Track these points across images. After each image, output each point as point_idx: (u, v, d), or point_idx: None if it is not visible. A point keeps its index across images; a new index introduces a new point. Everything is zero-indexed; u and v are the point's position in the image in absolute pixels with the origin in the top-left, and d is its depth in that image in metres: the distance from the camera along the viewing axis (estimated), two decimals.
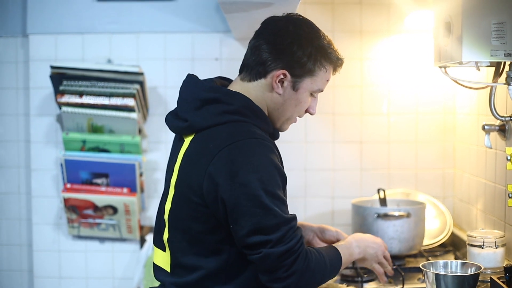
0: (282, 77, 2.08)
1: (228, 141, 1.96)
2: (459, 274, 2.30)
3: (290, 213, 2.02)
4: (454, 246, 3.21)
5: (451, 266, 2.35)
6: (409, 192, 3.43)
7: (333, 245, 2.22)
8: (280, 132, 2.24)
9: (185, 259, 2.06)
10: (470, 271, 2.28)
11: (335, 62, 2.15)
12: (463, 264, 2.34)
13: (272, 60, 2.07)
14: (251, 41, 2.14)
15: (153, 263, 2.20)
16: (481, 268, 2.27)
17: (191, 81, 2.13)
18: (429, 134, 3.48)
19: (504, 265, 2.24)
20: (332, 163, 3.49)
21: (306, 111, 2.19)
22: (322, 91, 2.18)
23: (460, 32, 2.30)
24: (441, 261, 2.36)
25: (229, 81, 2.21)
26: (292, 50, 2.06)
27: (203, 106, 2.05)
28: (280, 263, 1.95)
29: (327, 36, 2.15)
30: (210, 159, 1.96)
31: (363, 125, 3.48)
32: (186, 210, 2.03)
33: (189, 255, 2.05)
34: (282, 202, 1.98)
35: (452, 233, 3.24)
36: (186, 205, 2.03)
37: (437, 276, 2.24)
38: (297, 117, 2.21)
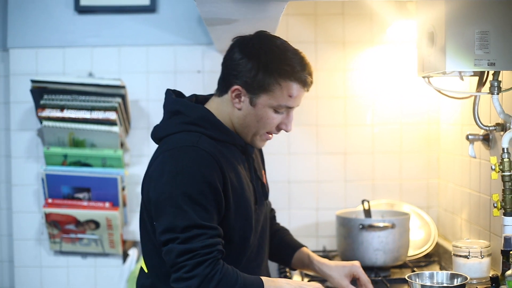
0: (238, 92, 2.13)
1: (168, 147, 2.08)
2: (445, 285, 2.29)
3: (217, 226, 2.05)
4: (439, 256, 3.20)
5: (437, 277, 2.34)
6: (394, 202, 3.41)
7: (263, 278, 2.12)
8: (260, 147, 2.29)
9: (147, 260, 2.20)
10: (456, 282, 2.27)
11: (292, 77, 2.11)
12: (449, 274, 2.33)
13: (232, 75, 2.14)
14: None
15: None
16: (467, 279, 2.25)
17: (166, 95, 2.25)
18: (413, 144, 3.48)
19: (490, 275, 2.23)
20: (316, 175, 3.47)
21: (280, 127, 2.20)
22: (290, 107, 2.16)
23: (444, 42, 2.30)
24: (426, 272, 2.35)
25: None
26: (246, 66, 2.10)
27: (170, 118, 2.19)
28: (181, 261, 1.96)
29: (291, 51, 2.13)
30: (152, 163, 2.13)
31: (347, 136, 3.47)
32: (142, 213, 2.17)
33: (149, 256, 2.18)
34: (204, 209, 2.00)
35: (437, 244, 3.23)
36: (142, 208, 2.17)
37: (423, 287, 2.22)
38: (271, 134, 2.22)
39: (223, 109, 2.18)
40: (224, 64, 2.19)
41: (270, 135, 2.23)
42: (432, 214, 3.45)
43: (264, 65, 2.09)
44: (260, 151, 2.51)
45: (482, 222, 2.82)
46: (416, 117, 3.46)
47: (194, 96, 2.28)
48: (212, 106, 2.21)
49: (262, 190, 2.35)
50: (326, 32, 3.45)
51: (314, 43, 3.44)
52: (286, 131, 2.22)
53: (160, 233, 2.02)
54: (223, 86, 2.18)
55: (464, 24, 2.30)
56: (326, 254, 3.28)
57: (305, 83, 2.14)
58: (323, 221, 3.47)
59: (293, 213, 3.47)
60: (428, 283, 2.29)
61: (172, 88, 2.29)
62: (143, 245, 2.22)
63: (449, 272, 2.35)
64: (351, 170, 3.48)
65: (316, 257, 2.49)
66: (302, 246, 2.56)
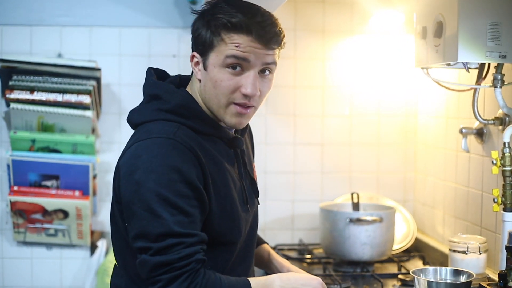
0: (196, 60, 1.93)
1: (142, 137, 1.85)
2: (450, 281, 2.24)
3: (198, 231, 1.82)
4: (418, 250, 3.16)
5: (440, 273, 2.28)
6: (372, 195, 3.35)
7: (251, 278, 1.92)
8: (236, 125, 1.98)
9: (118, 257, 1.99)
10: (463, 279, 2.22)
11: (233, 27, 1.84)
12: (452, 271, 2.28)
13: (192, 47, 1.97)
14: None
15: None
16: (472, 276, 2.21)
17: (147, 74, 2.03)
18: (391, 137, 3.42)
19: (499, 272, 2.19)
20: (292, 166, 3.38)
21: (241, 92, 1.88)
22: (239, 58, 1.85)
23: (456, 32, 2.23)
24: (430, 268, 2.30)
25: None
26: (193, 27, 1.94)
27: (149, 102, 1.96)
28: (156, 275, 1.76)
29: (240, 4, 1.89)
30: (123, 154, 1.88)
31: (324, 127, 3.39)
32: (112, 209, 1.95)
33: (121, 255, 1.97)
34: (181, 212, 1.77)
35: (416, 238, 3.20)
36: (113, 202, 1.94)
37: (429, 283, 2.17)
38: (237, 105, 1.91)
39: (194, 88, 1.97)
40: None
41: (238, 107, 1.91)
42: (408, 207, 3.41)
43: (207, 21, 1.88)
44: (251, 139, 2.29)
45: (471, 217, 2.78)
46: (394, 109, 3.41)
47: (178, 76, 2.06)
48: (190, 87, 2.00)
49: (252, 188, 2.12)
50: (306, 20, 3.36)
51: (293, 31, 3.34)
52: (247, 95, 1.88)
53: (132, 238, 1.80)
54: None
55: (476, 15, 2.24)
56: (304, 247, 3.20)
57: (250, 31, 1.84)
58: (299, 214, 3.39)
59: (269, 205, 3.37)
60: (434, 279, 2.23)
61: (152, 69, 2.06)
62: (113, 241, 1.99)
63: (452, 268, 2.30)
64: (328, 162, 3.40)
65: (276, 257, 2.31)
66: (264, 242, 2.37)
